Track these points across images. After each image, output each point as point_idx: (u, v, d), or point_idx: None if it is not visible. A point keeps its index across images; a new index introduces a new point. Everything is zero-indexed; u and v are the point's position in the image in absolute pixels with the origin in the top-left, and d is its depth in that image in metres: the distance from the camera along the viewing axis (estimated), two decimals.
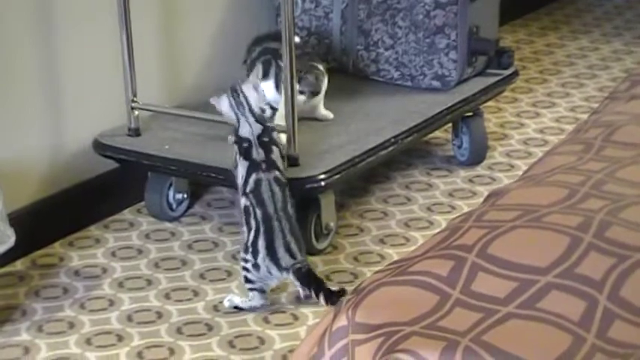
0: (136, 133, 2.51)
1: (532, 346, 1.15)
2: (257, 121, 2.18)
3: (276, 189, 2.16)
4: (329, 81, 2.75)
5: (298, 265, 2.14)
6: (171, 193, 2.57)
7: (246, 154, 2.18)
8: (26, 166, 2.42)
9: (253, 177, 2.16)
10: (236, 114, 2.19)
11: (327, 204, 2.40)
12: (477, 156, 2.87)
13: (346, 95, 2.72)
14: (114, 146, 2.48)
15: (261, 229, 2.15)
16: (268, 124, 2.20)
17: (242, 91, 2.19)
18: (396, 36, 2.74)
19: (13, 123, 2.38)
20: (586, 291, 1.22)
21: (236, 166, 2.20)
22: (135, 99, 2.50)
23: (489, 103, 3.06)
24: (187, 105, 2.67)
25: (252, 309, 2.18)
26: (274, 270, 2.15)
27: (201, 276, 2.34)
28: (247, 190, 2.17)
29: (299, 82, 2.38)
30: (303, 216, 2.37)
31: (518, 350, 1.15)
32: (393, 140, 2.48)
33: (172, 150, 2.44)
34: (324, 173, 2.32)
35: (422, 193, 2.71)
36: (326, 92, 2.67)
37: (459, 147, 2.87)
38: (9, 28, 2.33)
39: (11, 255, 2.26)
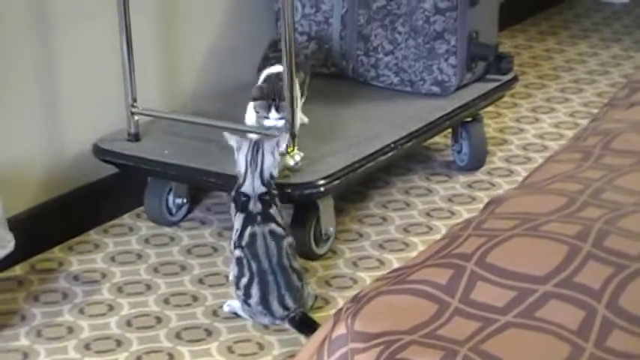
0: (135, 137, 2.51)
1: (530, 356, 1.15)
2: (263, 184, 2.15)
3: (271, 244, 2.12)
4: (329, 86, 2.76)
5: (292, 315, 2.12)
6: (170, 198, 2.57)
7: (243, 207, 2.15)
8: (26, 171, 2.43)
9: (248, 230, 2.13)
10: (246, 169, 2.15)
11: (327, 209, 2.40)
12: (477, 161, 2.87)
13: (346, 100, 2.72)
14: (113, 151, 2.48)
15: (255, 280, 2.12)
16: (273, 190, 2.16)
17: (262, 151, 2.14)
18: (395, 41, 2.74)
19: (13, 127, 2.38)
20: (584, 300, 1.22)
21: (234, 220, 2.17)
22: (134, 104, 2.50)
23: (489, 109, 3.06)
24: (187, 110, 2.68)
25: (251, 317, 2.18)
26: (268, 317, 2.14)
27: (201, 281, 2.34)
28: (242, 243, 2.13)
29: (277, 109, 2.34)
30: (303, 221, 2.37)
31: (516, 359, 1.15)
32: (392, 145, 2.48)
33: (172, 155, 2.44)
34: (323, 178, 2.32)
35: (421, 199, 2.72)
36: (326, 97, 2.68)
37: (459, 152, 2.88)
38: (9, 33, 2.33)
39: (10, 260, 2.26)
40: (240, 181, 2.16)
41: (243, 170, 2.16)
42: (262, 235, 2.12)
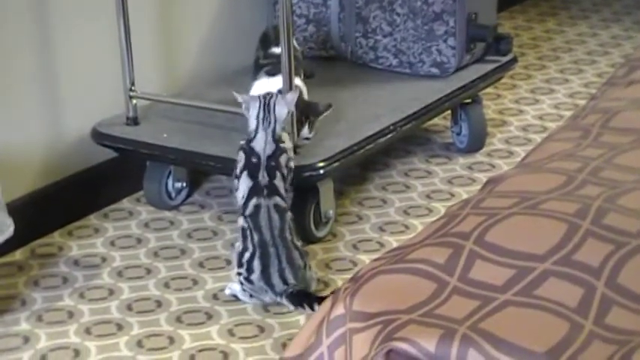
0: (134, 122, 2.51)
1: (529, 334, 1.15)
2: (274, 140, 2.13)
3: (275, 216, 2.11)
4: (327, 69, 2.76)
5: (290, 290, 2.12)
6: (170, 182, 2.57)
7: (252, 172, 2.13)
8: (25, 156, 2.42)
9: (253, 201, 2.11)
10: (257, 126, 2.13)
11: (326, 192, 2.39)
12: (476, 143, 2.87)
13: (345, 83, 2.71)
14: (112, 135, 2.47)
15: (257, 253, 2.12)
16: (281, 144, 2.14)
17: (274, 109, 2.13)
18: (394, 23, 2.73)
19: (12, 112, 2.37)
20: (584, 278, 1.22)
21: (238, 178, 2.15)
22: (133, 88, 2.50)
23: (488, 90, 3.05)
24: (186, 94, 2.67)
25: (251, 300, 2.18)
26: (269, 293, 2.14)
27: (201, 265, 2.34)
28: (246, 213, 2.12)
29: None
30: (302, 204, 2.37)
31: (515, 338, 1.15)
32: (391, 128, 2.48)
33: (171, 139, 2.43)
34: (322, 161, 2.32)
35: (421, 181, 2.71)
36: (324, 79, 2.68)
37: (458, 134, 2.87)
38: (6, 18, 2.32)
39: (10, 245, 2.25)
40: (252, 135, 2.14)
41: (254, 127, 2.14)
42: (267, 208, 2.11)
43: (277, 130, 2.14)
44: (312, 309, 2.09)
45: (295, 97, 2.18)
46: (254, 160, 2.13)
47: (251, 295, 2.17)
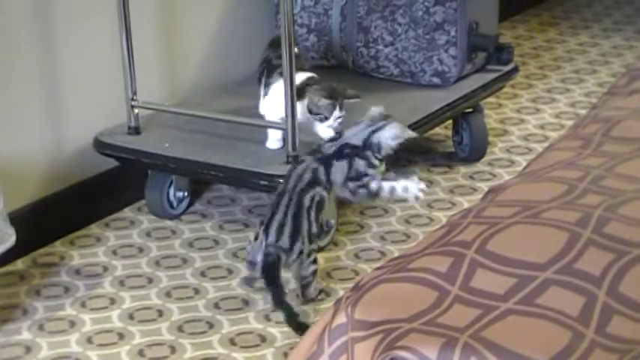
0: (136, 131, 2.51)
1: (531, 342, 1.15)
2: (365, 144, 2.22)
3: (307, 176, 2.15)
4: (329, 78, 2.75)
5: (266, 251, 2.11)
6: (171, 191, 2.57)
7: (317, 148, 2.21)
8: (27, 165, 2.43)
9: (304, 159, 2.19)
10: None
11: (328, 201, 2.39)
12: (478, 152, 2.87)
13: None
14: (114, 145, 2.48)
15: (270, 202, 2.17)
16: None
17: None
18: (395, 33, 2.73)
19: (14, 121, 2.38)
20: (585, 287, 1.22)
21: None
22: (135, 97, 2.50)
23: (489, 99, 3.05)
24: (187, 103, 2.68)
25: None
26: (261, 250, 2.14)
27: (202, 274, 2.34)
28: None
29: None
30: None
31: (517, 346, 1.15)
32: None
33: (172, 148, 2.44)
34: None
35: None
36: None
37: (460, 143, 2.87)
38: (9, 27, 2.33)
39: (12, 254, 2.25)
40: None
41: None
42: (306, 166, 2.16)
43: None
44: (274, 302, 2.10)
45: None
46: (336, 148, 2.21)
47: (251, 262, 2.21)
